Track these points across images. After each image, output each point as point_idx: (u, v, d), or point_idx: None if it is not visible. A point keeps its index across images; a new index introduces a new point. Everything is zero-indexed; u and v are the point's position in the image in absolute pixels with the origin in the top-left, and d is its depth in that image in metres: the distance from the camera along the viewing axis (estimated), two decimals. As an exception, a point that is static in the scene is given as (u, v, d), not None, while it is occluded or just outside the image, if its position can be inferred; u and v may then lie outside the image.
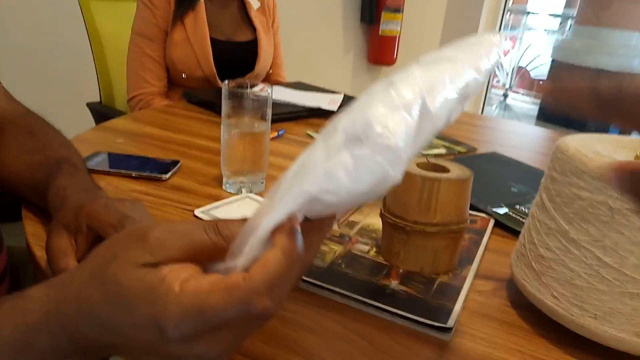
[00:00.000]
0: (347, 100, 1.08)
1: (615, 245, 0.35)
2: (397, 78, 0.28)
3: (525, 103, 6.10)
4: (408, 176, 0.45)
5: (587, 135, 0.42)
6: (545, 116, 5.50)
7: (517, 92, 6.30)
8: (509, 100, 6.18)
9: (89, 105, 1.24)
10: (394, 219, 0.46)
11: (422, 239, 0.45)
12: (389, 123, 0.25)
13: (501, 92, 6.27)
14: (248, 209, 0.55)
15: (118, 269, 0.25)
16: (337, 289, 0.42)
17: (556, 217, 0.39)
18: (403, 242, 0.46)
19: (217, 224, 0.26)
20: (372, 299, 0.41)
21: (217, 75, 1.13)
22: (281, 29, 1.29)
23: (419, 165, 0.48)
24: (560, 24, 6.36)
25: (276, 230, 0.25)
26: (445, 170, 0.47)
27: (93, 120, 1.23)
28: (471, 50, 0.30)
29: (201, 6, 1.10)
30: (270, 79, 1.28)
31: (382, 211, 0.48)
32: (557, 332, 0.39)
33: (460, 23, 2.23)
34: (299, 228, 0.25)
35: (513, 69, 6.33)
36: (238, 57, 1.18)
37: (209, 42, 1.11)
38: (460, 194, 0.45)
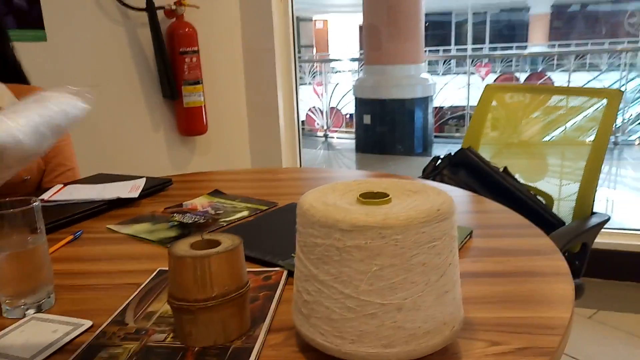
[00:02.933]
0: (152, 182, 1.08)
1: (349, 278, 0.42)
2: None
3: (343, 139, 6.66)
4: (180, 259, 0.47)
5: (323, 187, 0.49)
6: (361, 147, 6.04)
7: (335, 131, 6.86)
8: (330, 140, 6.69)
9: None
10: (177, 302, 0.48)
11: (207, 314, 0.48)
12: None
13: (322, 133, 6.77)
14: (36, 332, 0.52)
15: None
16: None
17: (306, 264, 0.45)
18: (191, 322, 0.48)
19: None
20: (163, 389, 0.42)
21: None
22: (85, 121, 1.25)
23: (193, 244, 0.51)
24: (360, 65, 7.15)
25: None
26: (217, 244, 0.51)
27: None
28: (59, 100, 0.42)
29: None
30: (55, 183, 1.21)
31: (168, 297, 0.49)
32: (332, 363, 0.45)
33: (259, 80, 2.39)
34: None
35: (326, 111, 6.90)
36: None
37: None
38: (232, 264, 0.49)
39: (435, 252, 0.42)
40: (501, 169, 1.25)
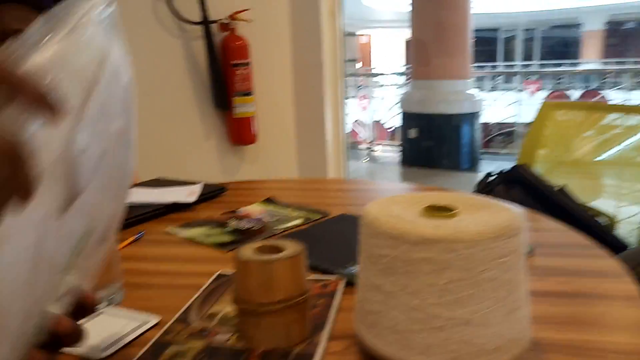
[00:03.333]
0: (207, 187, 1.12)
1: (417, 290, 0.42)
2: None
3: (386, 153, 6.64)
4: (245, 263, 0.49)
5: (387, 199, 0.50)
6: (406, 161, 5.98)
7: (379, 144, 6.84)
8: (373, 152, 6.68)
9: None
10: (242, 304, 0.49)
11: (271, 318, 0.49)
12: None
13: (365, 146, 6.77)
14: (107, 326, 0.55)
15: None
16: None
17: (371, 274, 0.45)
18: (255, 325, 0.49)
19: None
20: (230, 388, 0.43)
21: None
22: (139, 126, 1.31)
23: (258, 249, 0.52)
24: (406, 79, 7.14)
25: None
26: (280, 249, 0.52)
27: None
28: None
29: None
30: None
31: (234, 300, 0.51)
32: (396, 374, 0.45)
33: (307, 93, 2.42)
34: None
35: (370, 124, 6.90)
36: None
37: None
38: (295, 270, 0.50)
39: (505, 268, 0.42)
40: (558, 188, 1.22)
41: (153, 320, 0.55)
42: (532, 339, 0.49)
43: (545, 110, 1.49)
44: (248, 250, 0.51)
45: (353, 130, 7.03)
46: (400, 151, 5.95)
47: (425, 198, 0.50)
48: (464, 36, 5.42)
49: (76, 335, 0.36)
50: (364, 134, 6.94)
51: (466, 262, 0.40)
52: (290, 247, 0.52)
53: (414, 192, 0.51)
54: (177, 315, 0.56)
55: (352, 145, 6.96)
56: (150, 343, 0.51)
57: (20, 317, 0.28)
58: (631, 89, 6.86)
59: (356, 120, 7.03)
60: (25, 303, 0.28)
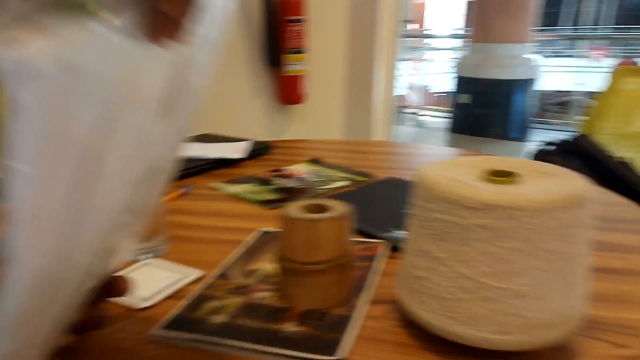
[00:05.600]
0: (254, 145, 1.11)
1: (469, 258, 0.39)
2: None
3: (435, 118, 6.45)
4: (291, 221, 0.48)
5: (444, 161, 0.47)
6: (455, 128, 5.81)
7: (428, 109, 6.66)
8: (421, 118, 6.51)
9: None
10: (285, 263, 0.49)
11: (312, 278, 0.48)
12: None
13: (413, 110, 6.60)
14: (150, 276, 0.56)
15: None
16: (232, 343, 0.43)
17: (421, 239, 0.43)
18: (296, 284, 0.49)
19: None
20: (267, 346, 0.43)
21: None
22: None
23: (305, 207, 0.51)
24: (463, 42, 6.84)
25: None
26: (326, 209, 0.50)
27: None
28: None
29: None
30: None
31: (278, 257, 0.50)
32: (437, 343, 0.43)
33: (360, 53, 2.36)
34: None
35: (421, 88, 6.70)
36: None
37: None
38: (341, 230, 0.48)
39: (568, 239, 0.38)
40: (621, 161, 1.14)
41: (195, 274, 0.56)
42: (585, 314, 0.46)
43: (619, 76, 1.38)
44: (295, 208, 0.50)
45: (404, 95, 6.85)
46: (450, 117, 5.77)
47: (485, 162, 0.47)
48: (527, -3, 5.09)
49: (123, 288, 0.36)
50: (414, 98, 6.77)
51: (526, 231, 0.37)
52: (337, 208, 0.51)
53: (473, 156, 0.48)
54: (218, 271, 0.56)
55: (401, 109, 6.81)
56: (192, 296, 0.51)
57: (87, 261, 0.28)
58: None
59: (409, 84, 6.85)
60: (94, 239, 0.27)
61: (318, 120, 2.36)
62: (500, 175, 0.42)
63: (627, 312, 0.49)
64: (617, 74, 1.40)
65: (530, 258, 0.38)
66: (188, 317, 0.48)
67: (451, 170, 0.44)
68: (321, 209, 0.50)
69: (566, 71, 6.92)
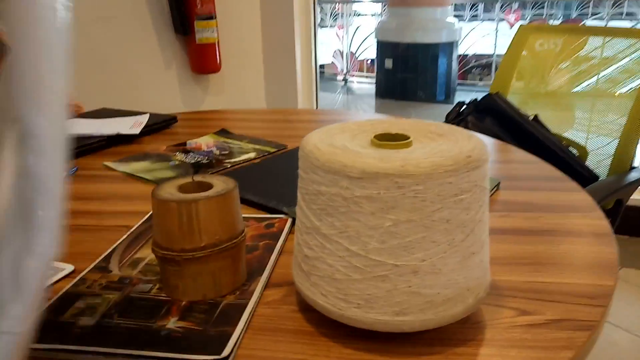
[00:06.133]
0: (155, 118, 1.02)
1: (357, 233, 0.35)
2: None
3: (363, 84, 6.47)
4: (163, 203, 0.41)
5: (332, 127, 0.42)
6: (382, 93, 5.87)
7: (354, 75, 6.65)
8: (349, 84, 6.51)
9: None
10: (162, 251, 0.42)
11: (195, 266, 0.42)
12: None
13: (341, 77, 6.57)
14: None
15: None
16: (96, 349, 0.37)
17: (308, 214, 0.38)
18: (178, 274, 0.43)
19: None
20: (141, 349, 0.37)
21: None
22: (91, 54, 1.19)
23: (182, 186, 0.45)
24: (383, 7, 6.83)
25: None
26: (209, 187, 0.44)
27: None
28: None
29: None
30: None
31: (152, 245, 0.44)
32: (335, 328, 0.39)
33: (276, 18, 2.26)
34: None
35: (347, 54, 6.67)
36: None
37: None
38: (224, 210, 0.43)
39: (463, 206, 0.35)
40: (532, 117, 1.15)
41: (67, 269, 0.48)
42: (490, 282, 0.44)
43: (522, 34, 1.40)
44: (170, 188, 0.44)
45: (331, 62, 6.80)
46: (376, 83, 5.80)
47: (376, 125, 0.42)
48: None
49: None
50: (340, 65, 6.73)
51: (416, 200, 0.34)
52: (220, 184, 0.45)
53: (366, 120, 0.44)
54: (94, 263, 0.49)
55: (329, 77, 6.76)
56: (57, 296, 0.44)
57: None
58: (609, 19, 6.72)
59: (335, 51, 6.78)
60: None
61: (238, 90, 2.26)
62: (391, 139, 0.38)
63: (536, 276, 0.47)
64: (520, 31, 1.41)
65: (423, 229, 0.34)
66: (53, 321, 0.41)
67: (338, 136, 0.39)
68: (203, 187, 0.45)
69: (484, 35, 7.13)
